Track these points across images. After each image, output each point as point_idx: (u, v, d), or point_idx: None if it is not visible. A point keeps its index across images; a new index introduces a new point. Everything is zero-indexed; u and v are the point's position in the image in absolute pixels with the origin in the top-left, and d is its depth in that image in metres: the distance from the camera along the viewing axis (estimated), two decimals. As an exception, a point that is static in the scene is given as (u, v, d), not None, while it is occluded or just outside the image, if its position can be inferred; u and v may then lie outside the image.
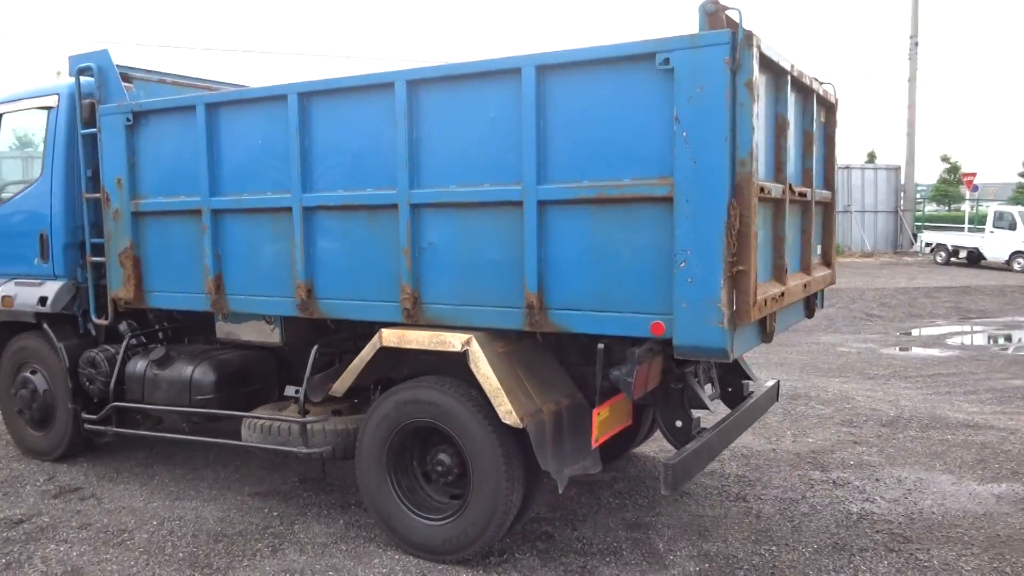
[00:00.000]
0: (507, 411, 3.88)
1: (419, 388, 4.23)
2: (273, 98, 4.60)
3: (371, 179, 4.32)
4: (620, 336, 3.80)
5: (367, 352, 4.35)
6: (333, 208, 4.48)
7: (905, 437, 6.58)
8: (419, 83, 4.13)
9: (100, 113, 5.32)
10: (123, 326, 5.69)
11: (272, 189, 4.66)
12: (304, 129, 4.49)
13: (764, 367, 9.51)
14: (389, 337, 4.26)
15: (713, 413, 4.60)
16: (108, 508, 5.04)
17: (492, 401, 3.93)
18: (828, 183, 5.25)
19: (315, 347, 4.74)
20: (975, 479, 5.55)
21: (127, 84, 5.55)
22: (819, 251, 5.19)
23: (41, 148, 5.83)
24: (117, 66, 5.52)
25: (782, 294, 4.02)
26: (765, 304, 3.70)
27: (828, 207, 5.28)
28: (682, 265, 3.53)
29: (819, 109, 4.98)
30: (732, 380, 5.19)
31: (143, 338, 5.71)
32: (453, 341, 4.07)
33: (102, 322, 5.58)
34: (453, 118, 4.09)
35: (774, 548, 4.43)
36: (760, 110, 3.57)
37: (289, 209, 4.58)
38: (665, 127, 3.53)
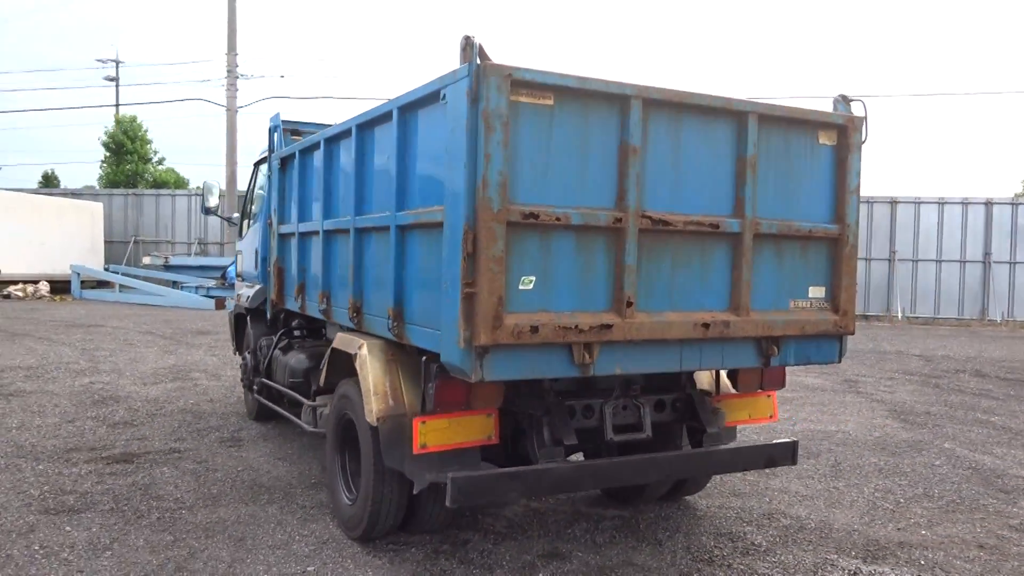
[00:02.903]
0: (370, 410, 4.40)
1: (348, 385, 4.95)
2: (314, 146, 5.77)
3: (347, 209, 5.20)
4: (431, 350, 4.06)
5: (328, 351, 5.23)
6: (332, 232, 5.44)
7: (1073, 557, 4.96)
8: (362, 127, 4.89)
9: (270, 160, 7.09)
10: (295, 322, 7.38)
11: (313, 218, 5.81)
12: (327, 171, 5.55)
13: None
14: (336, 340, 5.08)
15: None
16: (235, 455, 6.68)
17: (363, 400, 4.49)
18: (838, 216, 4.51)
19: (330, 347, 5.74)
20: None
21: (297, 136, 7.25)
22: (813, 293, 4.51)
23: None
24: (292, 122, 7.29)
25: (606, 326, 3.81)
26: (535, 331, 3.63)
27: (838, 243, 4.52)
28: (445, 286, 3.73)
29: (803, 131, 4.39)
30: (699, 427, 4.78)
31: (304, 331, 7.32)
32: (354, 345, 4.73)
33: (268, 316, 7.34)
34: (376, 155, 4.77)
35: (639, 606, 4.08)
36: (520, 139, 3.59)
37: (318, 232, 5.68)
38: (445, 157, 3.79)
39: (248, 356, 7.86)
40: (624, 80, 3.84)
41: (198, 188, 30.54)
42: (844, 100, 4.61)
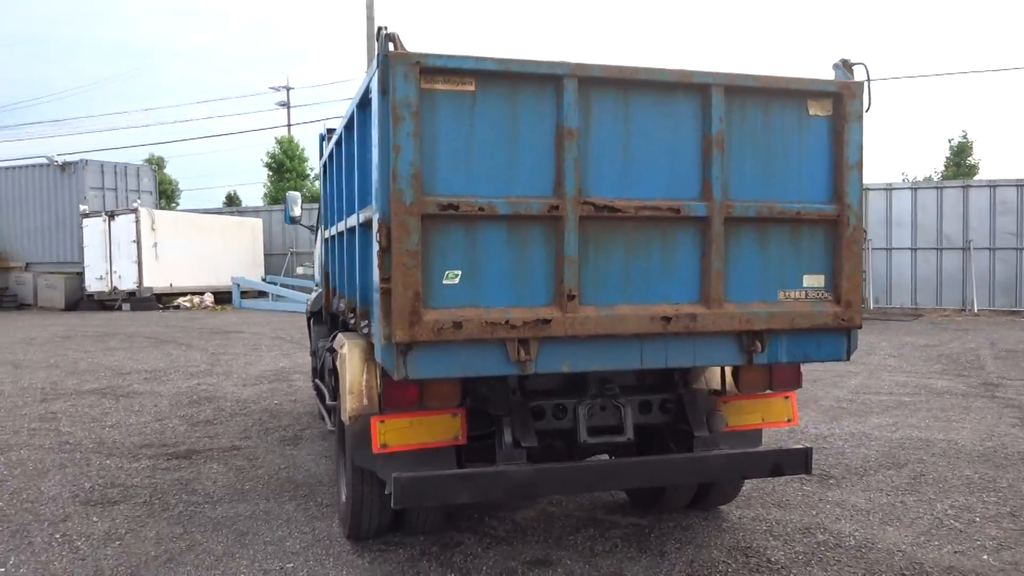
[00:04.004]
0: (344, 409, 4.41)
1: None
2: (331, 153, 5.87)
3: (344, 210, 5.25)
4: None
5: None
6: (341, 234, 5.52)
7: None
8: (347, 128, 4.92)
9: (319, 169, 7.31)
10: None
11: (334, 221, 5.92)
12: (336, 174, 5.65)
13: None
14: (335, 340, 5.13)
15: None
16: (287, 453, 6.91)
17: (341, 398, 4.51)
18: (836, 196, 4.03)
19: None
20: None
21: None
22: (809, 282, 4.05)
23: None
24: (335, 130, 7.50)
25: (543, 321, 3.59)
26: (459, 327, 3.48)
27: (837, 225, 4.03)
28: (373, 283, 3.67)
29: (787, 102, 3.96)
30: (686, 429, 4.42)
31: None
32: (339, 344, 4.75)
33: (324, 319, 7.55)
34: (355, 155, 4.77)
35: (600, 621, 3.80)
36: (439, 128, 3.46)
37: (334, 235, 5.78)
38: None
39: (312, 358, 8.14)
40: (558, 59, 3.62)
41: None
42: (844, 65, 4.11)
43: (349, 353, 4.55)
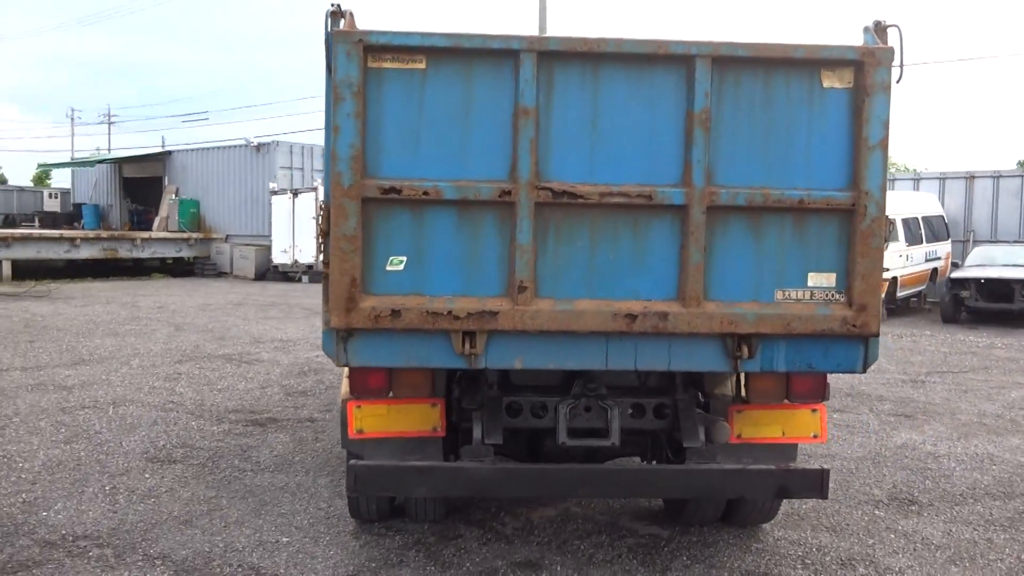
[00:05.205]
0: (341, 391, 4.44)
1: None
2: None
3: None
4: None
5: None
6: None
7: None
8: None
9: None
10: None
11: None
12: None
13: None
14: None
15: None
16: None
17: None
18: (853, 181, 3.47)
19: None
20: None
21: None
22: (815, 281, 3.53)
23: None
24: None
25: (489, 313, 3.37)
26: (397, 315, 3.35)
27: (852, 215, 3.48)
28: (326, 268, 3.62)
29: (793, 73, 3.47)
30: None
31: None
32: (349, 327, 4.77)
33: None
34: None
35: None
36: (386, 108, 3.34)
37: None
38: None
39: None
40: (514, 33, 3.37)
41: None
42: (877, 28, 3.52)
43: (354, 338, 4.56)
